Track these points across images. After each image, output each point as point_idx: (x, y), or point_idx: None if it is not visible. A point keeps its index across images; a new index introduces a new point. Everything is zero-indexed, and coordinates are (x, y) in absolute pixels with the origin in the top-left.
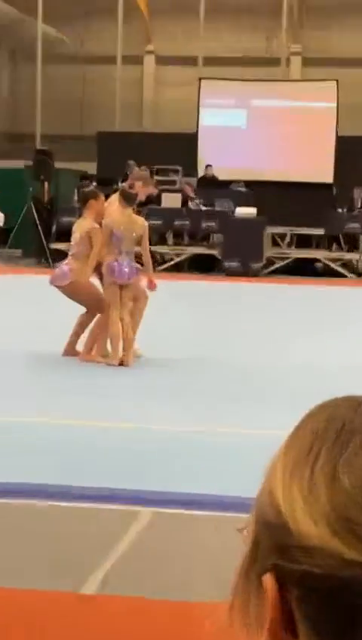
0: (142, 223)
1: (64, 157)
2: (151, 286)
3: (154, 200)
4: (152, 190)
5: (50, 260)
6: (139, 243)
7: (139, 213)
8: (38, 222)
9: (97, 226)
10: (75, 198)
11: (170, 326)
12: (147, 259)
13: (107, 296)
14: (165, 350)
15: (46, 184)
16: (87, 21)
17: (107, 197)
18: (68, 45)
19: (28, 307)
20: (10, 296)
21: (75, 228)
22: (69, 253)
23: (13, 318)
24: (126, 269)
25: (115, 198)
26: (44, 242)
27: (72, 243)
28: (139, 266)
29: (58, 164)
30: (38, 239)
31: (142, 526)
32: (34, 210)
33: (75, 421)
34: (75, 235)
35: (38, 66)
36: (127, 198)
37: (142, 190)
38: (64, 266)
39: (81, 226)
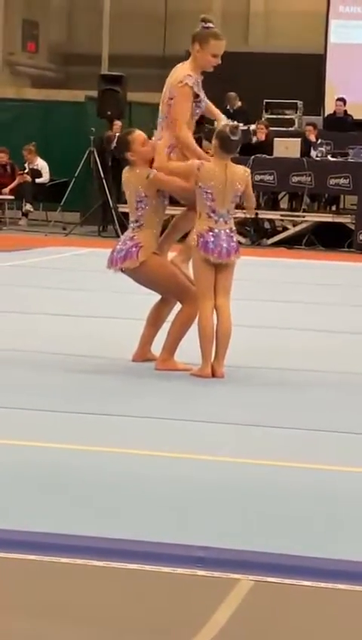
0: (242, 174)
1: (140, 86)
2: None
3: (261, 145)
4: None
5: (118, 229)
6: (239, 206)
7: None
8: (102, 175)
9: (154, 170)
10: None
11: (277, 322)
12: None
13: (197, 280)
14: (266, 357)
15: (115, 122)
16: None
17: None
18: None
19: (81, 296)
20: (59, 280)
21: (124, 185)
22: (131, 220)
23: (65, 311)
24: (223, 243)
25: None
26: (111, 203)
27: (130, 203)
28: (241, 238)
29: (131, 96)
30: (102, 199)
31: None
32: (97, 159)
33: (146, 452)
34: (129, 195)
35: None
36: (227, 145)
37: (262, 130)
38: (128, 241)
39: (133, 180)
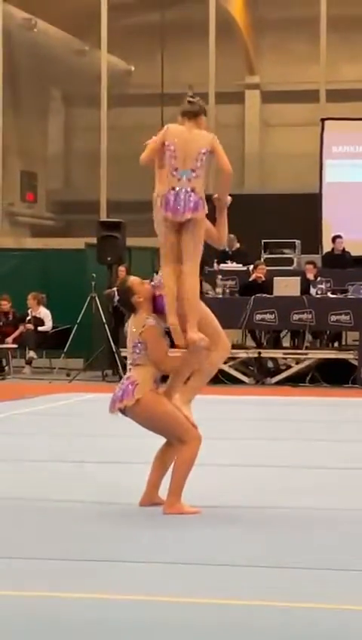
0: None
1: (139, 231)
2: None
3: (262, 286)
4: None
5: (121, 373)
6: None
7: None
8: (105, 320)
9: (152, 322)
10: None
11: (283, 461)
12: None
13: (177, 416)
14: (276, 496)
15: (120, 269)
16: (165, 47)
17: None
18: (140, 81)
19: (86, 442)
20: (64, 427)
21: (128, 325)
22: (127, 362)
23: (70, 458)
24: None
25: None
26: (114, 348)
27: (128, 345)
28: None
29: (131, 241)
30: (105, 344)
31: None
32: (99, 304)
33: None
34: (128, 339)
35: (103, 110)
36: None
37: (261, 272)
38: (125, 380)
39: (134, 324)
